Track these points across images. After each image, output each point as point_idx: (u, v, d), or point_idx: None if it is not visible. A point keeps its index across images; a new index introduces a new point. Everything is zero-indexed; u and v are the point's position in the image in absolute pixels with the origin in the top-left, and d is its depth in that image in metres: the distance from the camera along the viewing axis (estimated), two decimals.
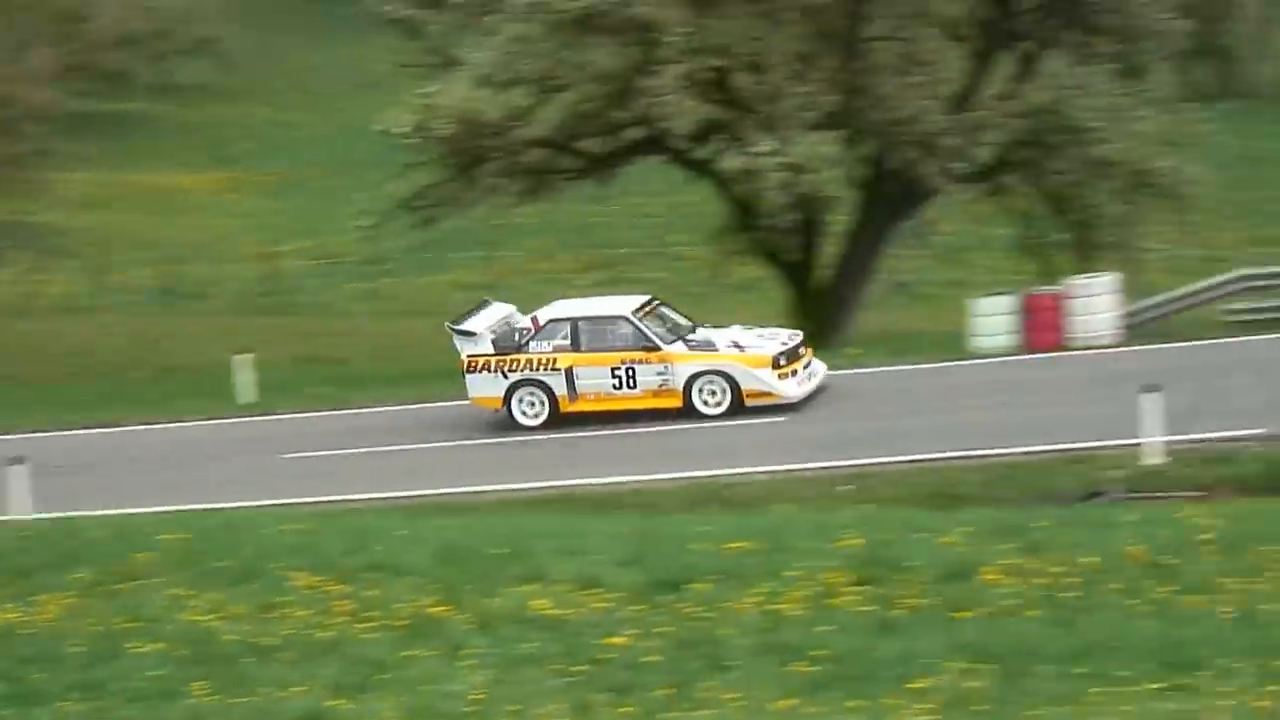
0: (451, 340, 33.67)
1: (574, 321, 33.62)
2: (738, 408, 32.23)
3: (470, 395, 33.55)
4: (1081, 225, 44.16)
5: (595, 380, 33.02)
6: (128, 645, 16.96)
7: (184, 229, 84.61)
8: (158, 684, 15.74)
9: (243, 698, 15.13)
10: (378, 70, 71.06)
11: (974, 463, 28.35)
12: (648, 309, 34.20)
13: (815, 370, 33.69)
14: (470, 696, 14.49)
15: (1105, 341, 37.52)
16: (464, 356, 33.19)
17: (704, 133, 42.23)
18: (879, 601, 16.59)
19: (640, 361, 32.87)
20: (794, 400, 32.39)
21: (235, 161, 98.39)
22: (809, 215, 42.58)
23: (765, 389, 32.26)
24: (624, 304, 34.62)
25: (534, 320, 33.73)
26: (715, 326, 34.29)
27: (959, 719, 13.20)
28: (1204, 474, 26.39)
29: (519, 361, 33.05)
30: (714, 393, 32.50)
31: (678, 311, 35.12)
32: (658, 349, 32.77)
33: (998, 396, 32.62)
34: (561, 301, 35.55)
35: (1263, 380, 31.38)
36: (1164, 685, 13.65)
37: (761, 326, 35.00)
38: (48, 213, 79.94)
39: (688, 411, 32.48)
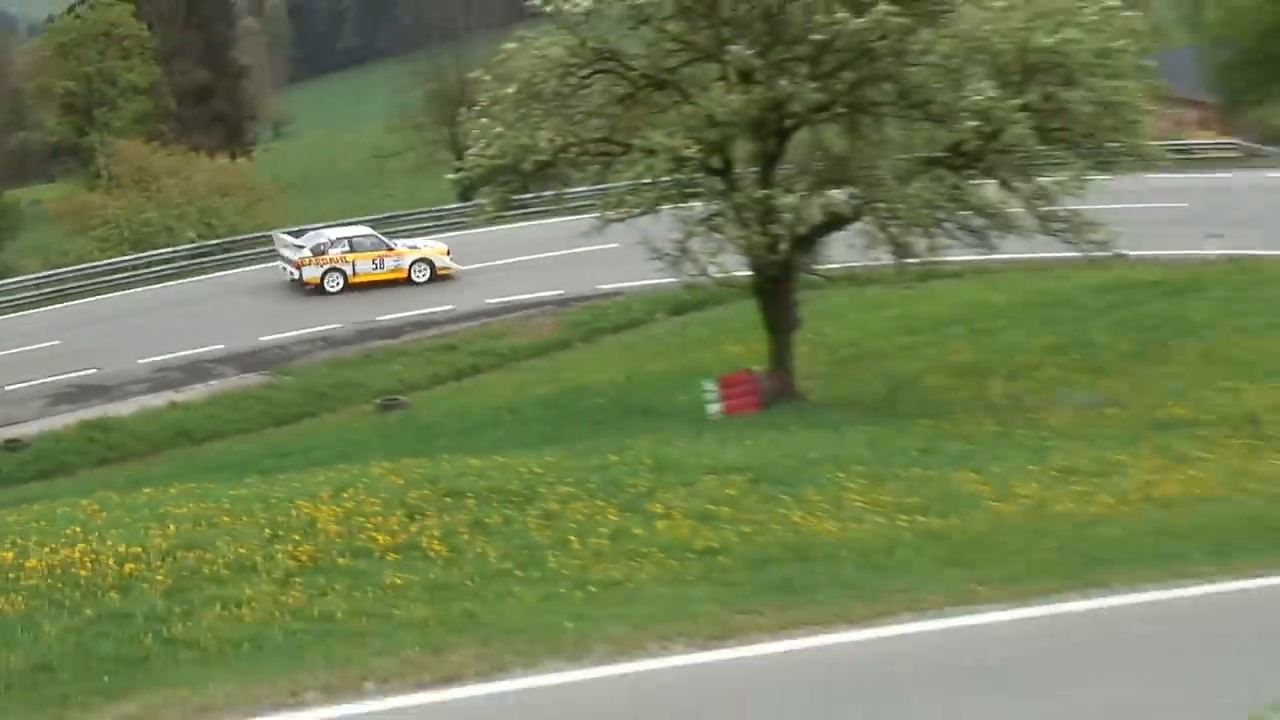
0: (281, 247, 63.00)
1: (350, 238, 62.89)
2: (434, 278, 61.23)
3: (304, 278, 60.62)
4: None
5: (365, 266, 61.76)
6: None
7: None
8: None
9: None
10: None
11: None
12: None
13: None
14: None
15: None
16: (298, 256, 61.36)
17: None
18: None
19: (386, 256, 61.80)
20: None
21: None
22: None
23: (449, 266, 61.92)
24: (365, 228, 64.96)
25: (329, 238, 62.41)
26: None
27: None
28: None
29: (328, 259, 61.43)
30: (423, 271, 61.75)
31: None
32: (393, 249, 62.30)
33: None
34: (335, 227, 65.78)
35: None
36: None
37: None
38: None
39: (408, 282, 61.18)
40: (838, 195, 38.14)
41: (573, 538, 24.33)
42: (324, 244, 61.50)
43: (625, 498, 26.58)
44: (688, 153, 36.04)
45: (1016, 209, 38.49)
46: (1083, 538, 24.77)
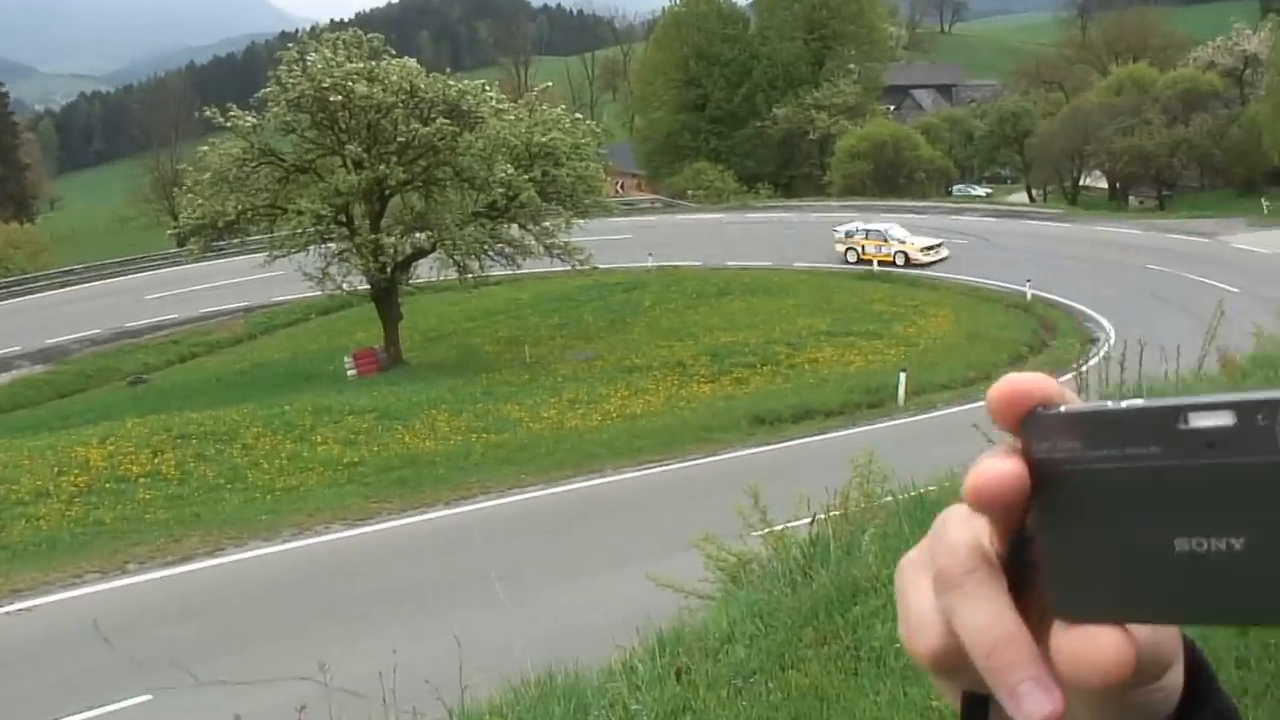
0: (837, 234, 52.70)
1: (866, 229, 52.21)
2: (908, 265, 50.13)
3: (842, 250, 51.83)
4: None
5: (871, 249, 51.10)
6: None
7: None
8: None
9: None
10: None
11: None
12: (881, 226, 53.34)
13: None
14: None
15: None
16: (844, 235, 52.35)
17: None
18: None
19: (882, 245, 51.04)
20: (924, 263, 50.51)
21: None
22: None
23: (920, 259, 50.21)
24: (882, 225, 53.47)
25: (856, 229, 52.63)
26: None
27: None
28: None
29: (851, 241, 51.84)
30: (901, 258, 50.40)
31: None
32: (887, 240, 51.36)
33: None
34: (856, 222, 54.52)
35: None
36: None
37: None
38: None
39: (892, 264, 50.30)
40: (421, 236, 38.07)
41: (263, 461, 24.21)
42: (851, 231, 52.63)
43: (296, 433, 26.38)
44: (324, 213, 35.76)
45: (531, 242, 38.74)
46: (585, 442, 25.18)
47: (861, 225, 53.49)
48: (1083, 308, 41.69)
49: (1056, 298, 43.34)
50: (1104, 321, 38.95)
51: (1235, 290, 35.39)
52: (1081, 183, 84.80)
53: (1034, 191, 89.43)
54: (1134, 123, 75.40)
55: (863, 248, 51.68)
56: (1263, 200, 63.13)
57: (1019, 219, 65.35)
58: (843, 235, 52.60)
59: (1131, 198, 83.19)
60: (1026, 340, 37.59)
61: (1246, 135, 73.02)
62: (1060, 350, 33.76)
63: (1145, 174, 78.55)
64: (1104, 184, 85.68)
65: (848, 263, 50.92)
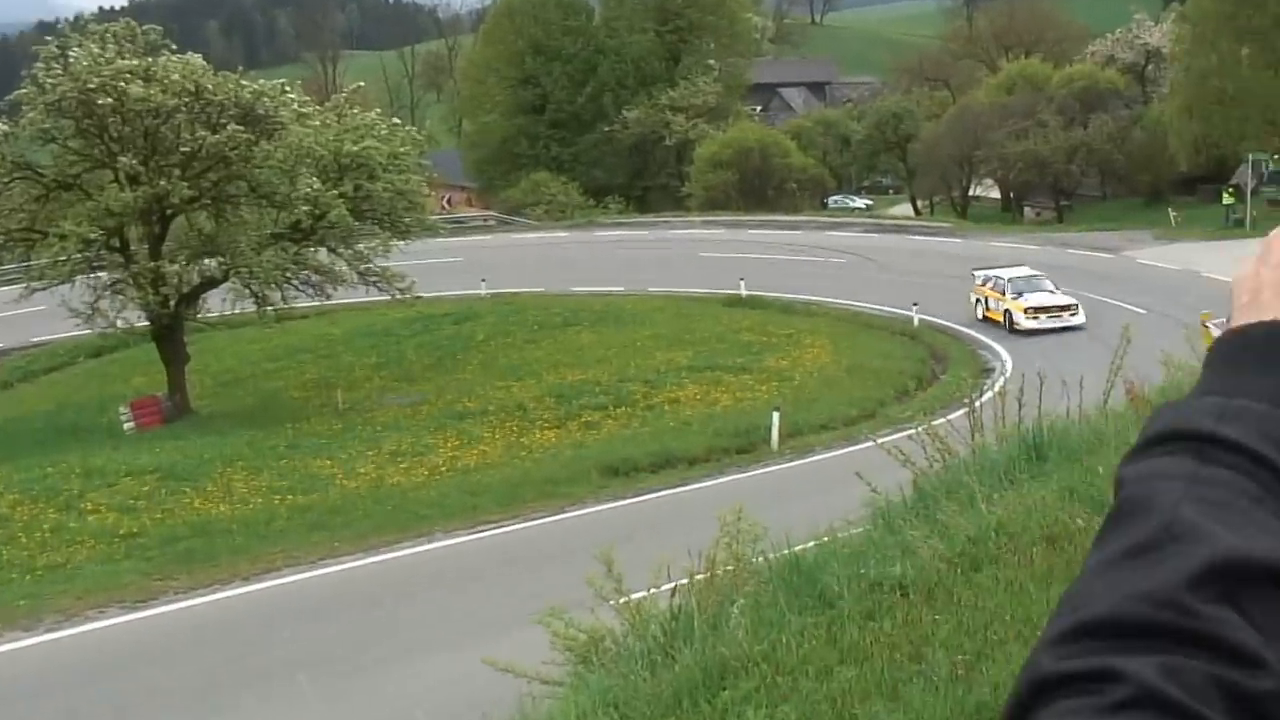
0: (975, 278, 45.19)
1: (996, 277, 44.40)
2: (1011, 330, 42.23)
3: (973, 301, 44.86)
4: None
5: (993, 304, 43.70)
6: None
7: None
8: None
9: None
10: None
11: None
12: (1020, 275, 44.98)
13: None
14: None
15: None
16: (979, 281, 44.99)
17: None
18: None
19: (999, 300, 43.31)
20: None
21: None
22: None
23: (1022, 324, 41.94)
24: (1025, 271, 45.37)
25: (993, 275, 44.75)
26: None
27: None
28: None
29: (981, 290, 44.54)
30: (1007, 318, 42.98)
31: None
32: (1004, 296, 43.34)
33: None
34: (992, 269, 46.09)
35: None
36: None
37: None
38: None
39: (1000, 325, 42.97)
40: (210, 263, 37.62)
41: (20, 534, 23.67)
42: (988, 278, 45.36)
43: (62, 499, 25.80)
44: (92, 236, 35.10)
45: (343, 267, 38.59)
46: (410, 501, 25.10)
47: (1001, 272, 45.92)
48: (975, 334, 42.72)
49: (946, 323, 44.33)
50: (999, 349, 39.97)
51: (1143, 311, 36.71)
52: (972, 192, 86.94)
53: (919, 203, 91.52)
54: (1028, 125, 77.71)
55: (986, 300, 45.02)
56: (1170, 211, 65.56)
57: (904, 234, 66.83)
58: (979, 282, 45.86)
59: (1027, 209, 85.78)
60: (914, 372, 38.36)
61: (1150, 138, 75.75)
62: (951, 384, 34.47)
63: (1041, 182, 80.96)
64: (997, 193, 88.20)
65: (978, 319, 45.02)
